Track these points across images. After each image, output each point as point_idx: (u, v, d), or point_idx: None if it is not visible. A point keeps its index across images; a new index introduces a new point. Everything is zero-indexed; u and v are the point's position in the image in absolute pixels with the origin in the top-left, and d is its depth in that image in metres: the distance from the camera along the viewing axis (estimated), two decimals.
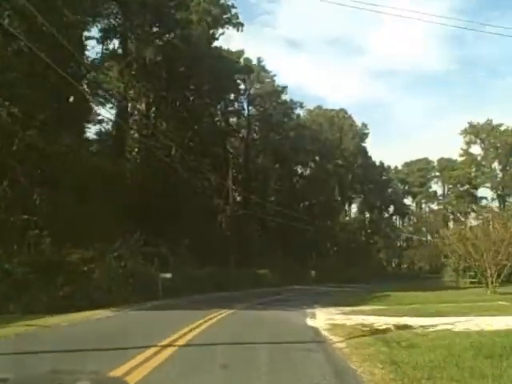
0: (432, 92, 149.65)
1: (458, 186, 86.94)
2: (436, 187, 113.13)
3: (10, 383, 1.52)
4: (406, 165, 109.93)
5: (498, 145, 72.94)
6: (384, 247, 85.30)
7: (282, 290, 37.10)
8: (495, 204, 78.00)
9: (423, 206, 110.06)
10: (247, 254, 48.95)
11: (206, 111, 46.66)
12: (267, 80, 56.53)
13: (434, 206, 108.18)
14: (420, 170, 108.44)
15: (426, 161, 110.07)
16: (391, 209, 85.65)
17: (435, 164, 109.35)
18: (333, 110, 72.62)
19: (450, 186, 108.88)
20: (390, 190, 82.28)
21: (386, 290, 35.12)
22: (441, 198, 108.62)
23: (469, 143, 77.80)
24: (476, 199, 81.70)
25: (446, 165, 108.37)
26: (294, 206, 59.15)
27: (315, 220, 61.81)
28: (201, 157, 43.19)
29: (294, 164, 62.07)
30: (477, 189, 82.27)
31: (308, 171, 64.64)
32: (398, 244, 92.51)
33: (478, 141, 77.15)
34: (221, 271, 35.77)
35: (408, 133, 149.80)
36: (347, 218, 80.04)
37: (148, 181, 36.91)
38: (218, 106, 51.61)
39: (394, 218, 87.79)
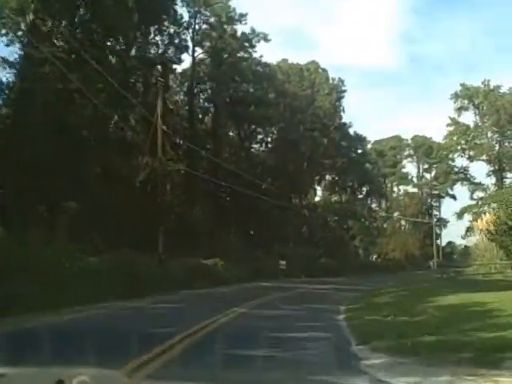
0: None
1: (443, 162, 74.18)
2: (411, 168, 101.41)
3: (7, 379, 1.40)
4: (377, 143, 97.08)
5: (497, 111, 60.58)
6: (360, 234, 71.93)
7: (238, 292, 23.36)
8: (491, 181, 66.06)
9: (395, 188, 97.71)
10: (189, 237, 34.40)
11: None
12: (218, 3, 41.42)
13: (410, 189, 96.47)
14: (393, 148, 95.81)
15: (399, 138, 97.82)
16: (368, 191, 72.12)
17: (409, 141, 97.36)
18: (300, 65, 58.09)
19: (426, 165, 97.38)
20: (367, 166, 68.86)
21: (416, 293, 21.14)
22: (415, 179, 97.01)
23: (460, 109, 65.19)
24: (467, 176, 69.19)
25: (422, 142, 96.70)
26: (254, 180, 44.69)
27: (281, 198, 47.37)
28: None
29: (254, 123, 47.36)
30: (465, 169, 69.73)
31: (273, 134, 50.05)
32: (376, 232, 79.55)
33: (472, 106, 64.51)
34: (135, 260, 20.69)
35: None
36: (317, 199, 66.18)
37: None
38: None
39: (370, 200, 74.53)
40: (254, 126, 47.95)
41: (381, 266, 66.27)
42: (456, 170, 70.44)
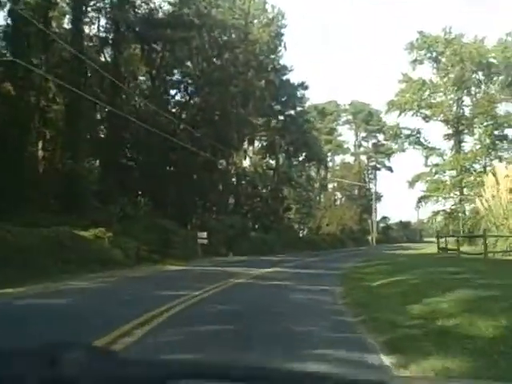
0: None
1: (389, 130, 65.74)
2: (349, 135, 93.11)
3: None
4: (313, 108, 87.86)
5: (459, 62, 52.32)
6: (296, 205, 62.52)
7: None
8: (448, 145, 58.24)
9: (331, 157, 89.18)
10: (72, 199, 23.60)
11: None
12: None
13: (348, 158, 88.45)
14: (329, 114, 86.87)
15: (335, 103, 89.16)
16: (308, 156, 62.36)
17: (347, 107, 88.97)
18: None
19: (364, 133, 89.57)
20: (306, 127, 58.97)
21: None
22: (352, 148, 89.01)
23: (415, 62, 56.50)
24: (420, 140, 60.92)
25: (361, 108, 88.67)
26: (167, 126, 33.76)
27: (204, 152, 36.76)
28: None
29: (169, 54, 35.88)
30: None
31: (195, 72, 38.66)
32: (312, 204, 70.46)
33: (430, 58, 55.87)
34: None
35: None
36: (247, 163, 55.71)
37: None
38: None
39: (308, 166, 65.00)
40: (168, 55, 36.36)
41: (319, 241, 57.19)
42: (407, 132, 61.82)
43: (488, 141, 52.01)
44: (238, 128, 45.03)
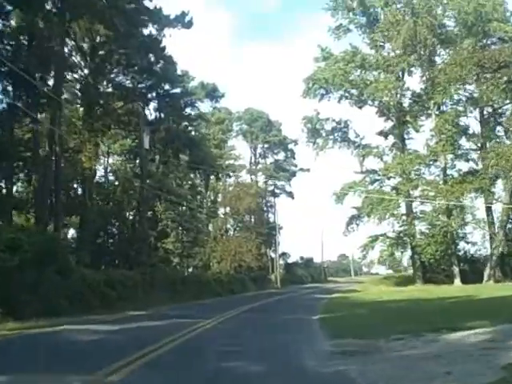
0: None
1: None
2: (244, 149, 75.20)
3: None
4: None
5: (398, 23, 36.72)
6: (181, 230, 42.38)
7: None
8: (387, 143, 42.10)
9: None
10: None
11: None
12: None
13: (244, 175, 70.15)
14: (220, 122, 68.62)
15: (227, 111, 71.34)
16: (195, 162, 42.39)
17: (240, 115, 71.46)
18: None
19: (262, 144, 72.32)
20: (188, 110, 39.76)
21: None
22: (247, 164, 71.23)
23: (339, 29, 40.20)
24: (348, 137, 43.55)
25: (258, 116, 71.64)
26: None
27: None
28: None
29: None
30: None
31: None
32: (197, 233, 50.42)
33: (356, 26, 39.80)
34: None
35: None
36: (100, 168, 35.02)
37: None
38: None
39: (193, 174, 45.34)
40: None
41: (211, 282, 37.31)
42: (329, 128, 44.21)
43: (449, 131, 36.51)
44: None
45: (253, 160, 71.94)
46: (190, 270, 56.20)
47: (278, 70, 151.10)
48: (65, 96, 33.17)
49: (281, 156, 74.80)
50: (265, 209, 71.32)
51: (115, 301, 22.32)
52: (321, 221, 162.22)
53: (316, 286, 62.52)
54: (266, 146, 71.95)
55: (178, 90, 40.45)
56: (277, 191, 77.70)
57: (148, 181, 38.12)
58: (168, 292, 27.12)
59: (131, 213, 37.89)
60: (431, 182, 37.68)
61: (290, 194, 77.74)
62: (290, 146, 74.60)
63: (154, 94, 39.60)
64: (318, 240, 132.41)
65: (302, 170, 75.79)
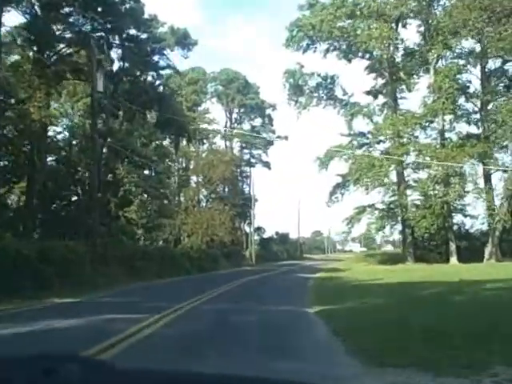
0: None
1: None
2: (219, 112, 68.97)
3: None
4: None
5: None
6: (146, 198, 36.96)
7: None
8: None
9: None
10: None
11: None
12: None
13: (219, 141, 64.67)
14: (193, 83, 62.90)
15: (202, 71, 65.58)
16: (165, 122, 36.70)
17: (215, 75, 65.73)
18: None
19: (238, 109, 66.84)
20: (157, 59, 34.14)
21: None
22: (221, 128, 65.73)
23: None
24: (335, 95, 38.34)
25: (235, 77, 66.04)
26: None
27: None
28: None
29: None
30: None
31: None
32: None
33: None
34: None
35: None
36: None
37: None
38: None
39: (162, 137, 39.76)
40: None
41: (180, 258, 32.25)
42: (313, 84, 38.70)
43: (451, 87, 31.88)
44: None
45: (228, 125, 66.63)
46: (160, 243, 51.40)
47: (258, 32, 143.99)
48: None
49: (258, 122, 69.60)
50: (240, 179, 66.21)
51: (51, 280, 17.34)
52: (298, 194, 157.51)
53: (293, 263, 58.22)
54: (242, 110, 66.49)
55: (144, 36, 34.87)
56: (253, 161, 72.68)
57: (109, 139, 32.85)
58: (124, 268, 22.14)
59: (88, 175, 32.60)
60: (428, 146, 33.16)
61: (267, 164, 72.88)
62: (268, 112, 69.48)
63: (118, 41, 33.97)
64: (293, 214, 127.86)
65: (279, 137, 70.78)
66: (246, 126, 68.80)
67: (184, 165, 59.21)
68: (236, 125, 67.24)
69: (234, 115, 67.64)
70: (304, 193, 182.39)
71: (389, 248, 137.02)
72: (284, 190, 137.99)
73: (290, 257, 75.12)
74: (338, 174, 37.60)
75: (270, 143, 71.34)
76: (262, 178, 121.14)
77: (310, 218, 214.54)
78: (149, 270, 24.44)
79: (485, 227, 35.76)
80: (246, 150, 72.14)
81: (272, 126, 69.46)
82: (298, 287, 19.57)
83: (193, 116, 61.13)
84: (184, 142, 46.99)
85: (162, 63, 34.65)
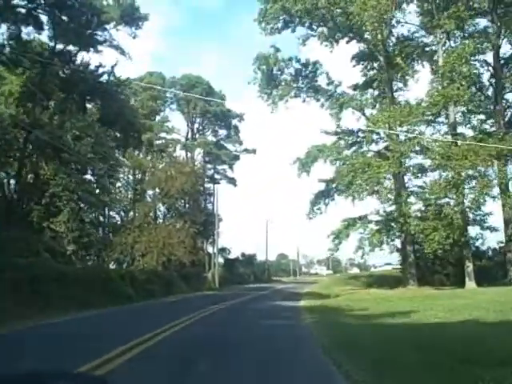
0: None
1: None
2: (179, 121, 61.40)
3: None
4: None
5: None
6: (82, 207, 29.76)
7: None
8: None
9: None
10: None
11: None
12: None
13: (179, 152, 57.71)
14: (150, 88, 56.46)
15: (160, 76, 59.26)
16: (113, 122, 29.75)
17: (176, 80, 59.33)
18: None
19: (199, 119, 60.26)
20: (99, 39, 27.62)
21: None
22: (181, 137, 58.81)
23: None
24: (317, 85, 32.21)
25: (198, 82, 59.78)
26: None
27: None
28: None
29: None
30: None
31: None
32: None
33: None
34: None
35: None
36: None
37: None
38: None
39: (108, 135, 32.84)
40: None
41: (113, 279, 25.15)
42: (291, 72, 32.26)
43: (468, 70, 26.21)
44: None
45: (190, 136, 60.00)
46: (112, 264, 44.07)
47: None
48: None
49: (223, 133, 63.20)
50: (202, 195, 59.34)
51: None
52: (265, 214, 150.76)
53: (262, 286, 51.58)
54: (205, 121, 60.11)
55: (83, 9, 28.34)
56: (217, 177, 66.05)
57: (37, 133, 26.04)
58: (24, 297, 15.22)
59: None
60: (438, 143, 27.05)
61: (232, 181, 66.35)
62: (235, 122, 63.36)
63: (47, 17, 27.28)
64: (260, 235, 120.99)
65: (247, 150, 64.62)
66: (210, 138, 62.33)
67: (140, 177, 52.35)
68: (198, 135, 60.65)
69: (196, 125, 61.19)
70: (272, 213, 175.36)
71: (354, 271, 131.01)
72: (251, 209, 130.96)
73: (257, 280, 68.37)
74: (322, 179, 31.35)
75: (236, 158, 64.94)
76: (227, 195, 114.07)
77: (276, 239, 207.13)
78: (69, 297, 17.52)
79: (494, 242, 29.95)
80: (209, 166, 65.58)
81: (239, 137, 63.22)
82: (295, 332, 11.61)
83: (150, 124, 54.72)
84: (135, 146, 40.00)
85: (104, 39, 27.92)
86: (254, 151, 64.86)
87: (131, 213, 52.07)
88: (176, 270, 43.08)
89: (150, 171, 51.65)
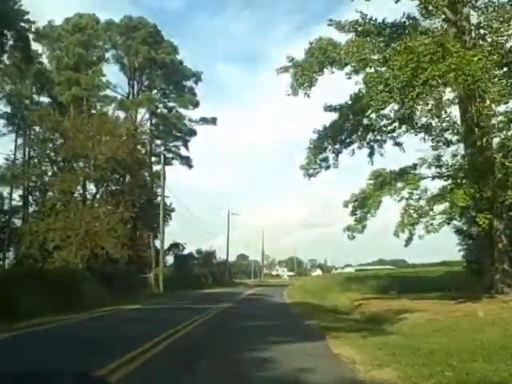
0: None
1: None
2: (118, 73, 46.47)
3: None
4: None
5: None
6: None
7: None
8: None
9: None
10: None
11: None
12: None
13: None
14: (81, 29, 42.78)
15: (95, 19, 45.11)
16: None
17: (112, 22, 45.30)
18: None
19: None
20: None
21: None
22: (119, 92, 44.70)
23: None
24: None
25: (143, 24, 45.78)
26: None
27: None
28: None
29: None
30: None
31: None
32: None
33: None
34: None
35: None
36: None
37: None
38: None
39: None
40: None
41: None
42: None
43: None
44: None
45: (130, 95, 46.10)
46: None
47: None
48: None
49: (174, 96, 49.40)
50: (145, 172, 45.05)
51: None
52: (227, 203, 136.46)
53: (224, 291, 38.43)
54: (151, 73, 46.23)
55: None
56: (169, 156, 51.77)
57: None
58: None
59: None
60: None
61: (187, 161, 52.45)
62: (190, 83, 49.74)
63: None
64: (221, 230, 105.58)
65: (205, 120, 51.13)
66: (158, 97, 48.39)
67: (58, 143, 38.31)
68: (141, 93, 46.66)
69: (139, 83, 47.17)
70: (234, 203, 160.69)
71: (317, 273, 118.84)
72: (209, 196, 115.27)
73: (217, 282, 55.03)
74: (330, 106, 18.38)
75: (193, 132, 51.13)
76: (181, 178, 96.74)
77: (238, 237, 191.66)
78: None
79: None
80: (158, 141, 51.69)
81: (195, 100, 49.31)
82: None
83: (78, 77, 40.83)
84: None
85: None
86: (214, 120, 51.52)
87: (50, 192, 38.56)
88: (99, 270, 29.54)
89: (73, 134, 37.27)
